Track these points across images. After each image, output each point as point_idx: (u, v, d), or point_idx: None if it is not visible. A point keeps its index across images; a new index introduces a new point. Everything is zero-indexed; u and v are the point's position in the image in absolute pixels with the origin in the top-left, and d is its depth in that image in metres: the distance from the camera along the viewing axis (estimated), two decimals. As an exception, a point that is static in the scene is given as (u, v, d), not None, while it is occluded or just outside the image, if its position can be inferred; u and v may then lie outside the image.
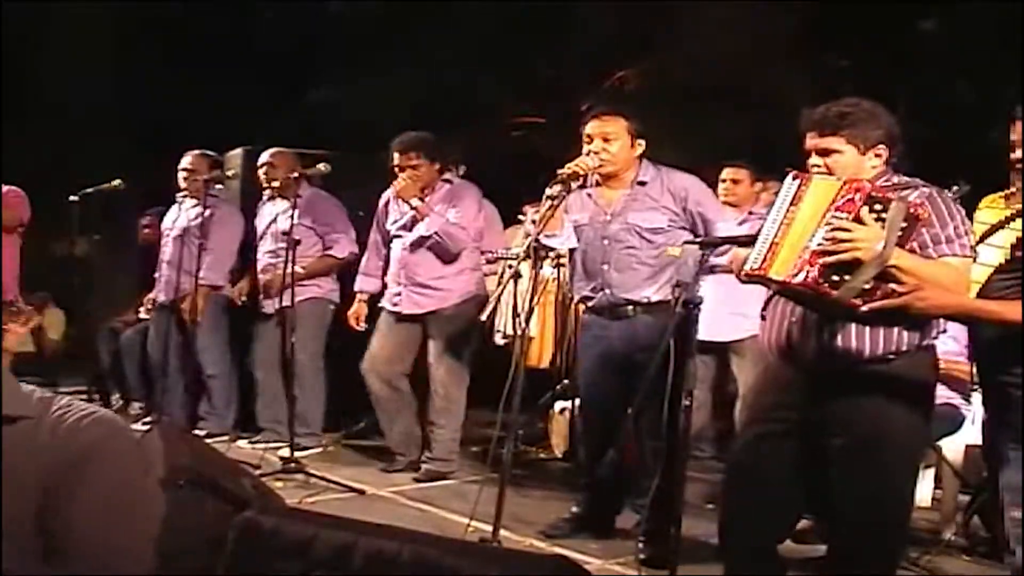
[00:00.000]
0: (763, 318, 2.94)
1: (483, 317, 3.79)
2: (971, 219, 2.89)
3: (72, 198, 5.87)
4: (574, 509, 4.36)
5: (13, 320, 2.87)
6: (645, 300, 4.06)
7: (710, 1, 7.36)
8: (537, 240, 3.81)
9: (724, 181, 5.39)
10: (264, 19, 9.12)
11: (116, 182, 6.00)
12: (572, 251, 4.26)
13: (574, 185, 3.93)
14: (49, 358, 7.66)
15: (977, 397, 4.07)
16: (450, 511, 4.57)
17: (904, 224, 2.53)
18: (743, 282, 2.94)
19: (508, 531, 3.99)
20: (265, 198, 5.96)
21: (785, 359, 2.87)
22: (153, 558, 1.79)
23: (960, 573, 4.02)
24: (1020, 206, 2.90)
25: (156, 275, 6.25)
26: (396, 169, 5.14)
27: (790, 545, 3.28)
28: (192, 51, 8.41)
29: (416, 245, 5.16)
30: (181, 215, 6.13)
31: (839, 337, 2.75)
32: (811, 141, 2.82)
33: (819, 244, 2.57)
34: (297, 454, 5.15)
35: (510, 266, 4.60)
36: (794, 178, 2.72)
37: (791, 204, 2.67)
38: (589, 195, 4.19)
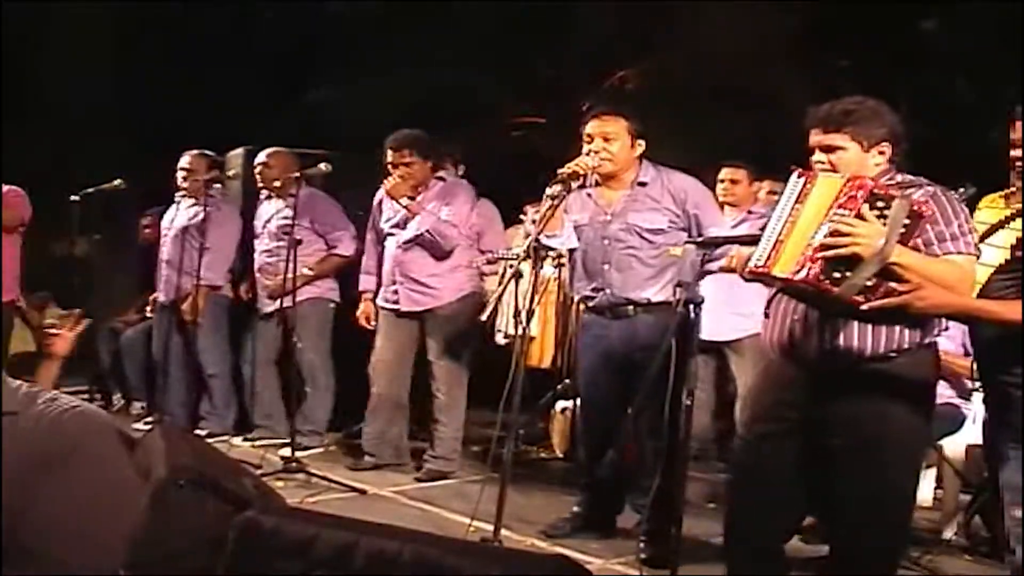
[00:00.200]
0: (766, 316, 2.94)
1: (483, 317, 3.79)
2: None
3: (72, 198, 5.86)
4: (575, 509, 4.36)
5: (60, 326, 2.85)
6: (645, 300, 4.07)
7: (710, 1, 7.35)
8: (537, 240, 3.81)
9: (723, 181, 5.40)
10: (264, 19, 9.11)
11: (116, 182, 6.00)
12: (572, 251, 4.26)
13: (574, 185, 3.93)
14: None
15: (977, 396, 4.08)
16: (451, 511, 4.57)
17: (907, 222, 2.53)
18: (746, 280, 2.95)
19: (509, 531, 3.99)
20: (262, 198, 5.97)
21: (787, 357, 2.87)
22: (129, 551, 1.78)
23: (961, 573, 4.02)
24: (1020, 206, 2.91)
25: (156, 275, 6.26)
26: (390, 167, 5.15)
27: (792, 544, 3.28)
28: (192, 51, 8.39)
29: (410, 243, 5.17)
30: (179, 215, 6.13)
31: (841, 335, 2.75)
32: (815, 137, 2.82)
33: (821, 241, 2.57)
34: (299, 454, 5.16)
35: (511, 266, 4.60)
36: (799, 176, 2.72)
37: (796, 202, 2.68)
38: (589, 195, 4.19)
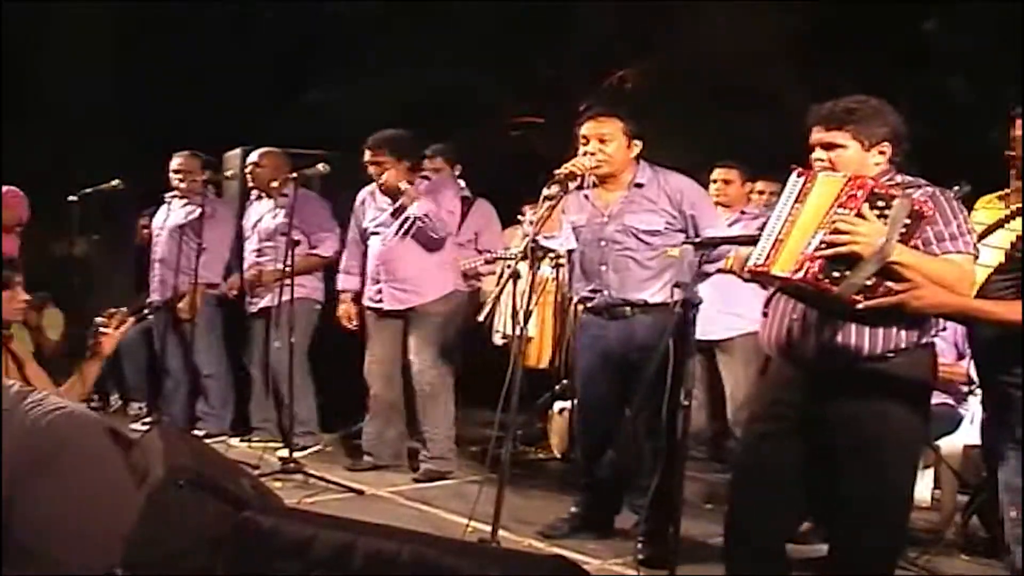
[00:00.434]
0: (765, 315, 2.94)
1: (481, 317, 3.80)
2: (968, 219, 2.89)
3: (72, 198, 5.87)
4: (573, 509, 4.36)
5: (107, 324, 2.86)
6: (643, 301, 4.06)
7: (710, 1, 7.35)
8: (535, 241, 3.81)
9: (715, 181, 5.41)
10: (264, 19, 9.10)
11: (116, 182, 6.00)
12: (570, 252, 4.26)
13: (571, 185, 3.93)
14: (49, 358, 7.65)
15: (975, 397, 4.08)
16: (449, 511, 4.57)
17: (908, 221, 2.53)
18: (745, 280, 2.95)
19: (507, 531, 4.00)
20: (253, 198, 5.97)
21: (785, 357, 2.88)
22: (127, 551, 1.78)
23: (959, 573, 4.02)
24: (1018, 206, 2.91)
25: (148, 275, 6.26)
26: (368, 165, 5.14)
27: (791, 546, 3.28)
28: (192, 51, 8.38)
29: (402, 235, 5.12)
30: (171, 214, 6.13)
31: (839, 335, 2.76)
32: (816, 135, 2.82)
33: (821, 240, 2.57)
34: (297, 454, 5.16)
35: (509, 266, 4.60)
36: (799, 175, 2.72)
37: (796, 201, 2.67)
38: (586, 196, 4.19)
